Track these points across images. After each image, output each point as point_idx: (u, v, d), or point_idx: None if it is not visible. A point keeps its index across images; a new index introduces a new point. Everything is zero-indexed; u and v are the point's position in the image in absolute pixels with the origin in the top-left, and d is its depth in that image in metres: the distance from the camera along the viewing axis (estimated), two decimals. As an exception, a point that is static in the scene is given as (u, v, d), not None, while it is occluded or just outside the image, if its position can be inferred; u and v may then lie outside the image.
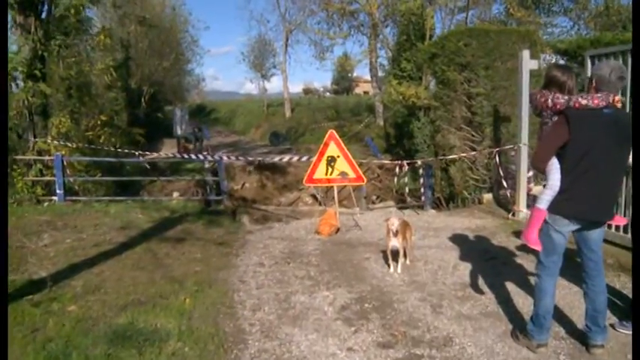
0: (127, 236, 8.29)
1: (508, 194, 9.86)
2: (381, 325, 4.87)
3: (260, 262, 7.14)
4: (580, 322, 4.52)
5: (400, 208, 15.39)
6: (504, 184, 9.73)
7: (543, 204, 4.01)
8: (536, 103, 4.25)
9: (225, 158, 11.95)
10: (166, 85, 37.75)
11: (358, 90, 70.90)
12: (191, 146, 24.24)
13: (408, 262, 6.63)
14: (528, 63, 8.61)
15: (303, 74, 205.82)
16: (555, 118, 4.06)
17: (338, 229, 8.74)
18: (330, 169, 8.81)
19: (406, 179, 13.88)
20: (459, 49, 11.10)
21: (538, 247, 4.13)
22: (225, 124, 47.20)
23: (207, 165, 13.47)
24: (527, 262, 6.56)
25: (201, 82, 56.74)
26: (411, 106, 17.10)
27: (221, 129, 43.81)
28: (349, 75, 71.56)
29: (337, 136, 8.94)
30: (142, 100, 32.06)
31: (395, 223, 6.16)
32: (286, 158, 12.12)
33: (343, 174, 8.84)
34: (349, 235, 8.64)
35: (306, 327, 4.89)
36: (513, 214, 9.00)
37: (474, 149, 11.20)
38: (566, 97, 4.01)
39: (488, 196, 10.66)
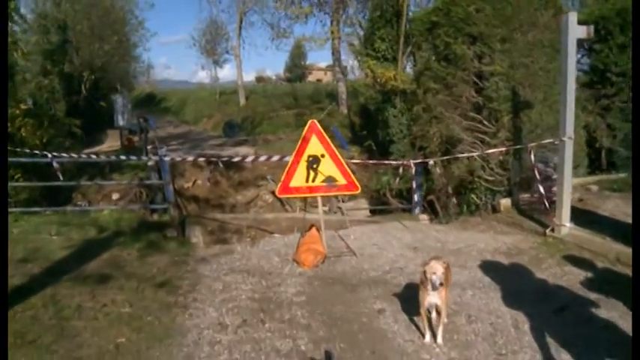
0: (24, 276, 5.76)
1: (539, 200, 7.74)
2: None
3: (220, 321, 4.76)
4: None
5: (380, 212, 13.27)
6: (540, 188, 7.55)
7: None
8: None
9: (167, 159, 9.37)
10: (110, 71, 34.54)
11: (312, 78, 70.08)
12: (136, 138, 21.41)
13: (445, 319, 4.34)
14: (576, 30, 6.42)
15: (255, 62, 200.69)
16: None
17: (325, 257, 6.43)
18: (312, 174, 6.42)
19: (387, 177, 11.61)
20: (468, 15, 8.73)
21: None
22: (176, 114, 44.20)
23: (151, 162, 10.89)
24: (621, 316, 4.37)
25: (151, 70, 53.54)
26: (386, 91, 14.88)
27: (171, 119, 40.93)
28: (302, 62, 70.76)
29: (320, 128, 6.52)
30: (82, 87, 28.89)
31: (438, 271, 3.86)
32: (250, 159, 9.49)
33: (330, 180, 6.46)
34: (342, 266, 6.29)
35: None
36: (553, 230, 6.84)
37: (483, 142, 8.98)
38: None
39: (505, 203, 8.49)
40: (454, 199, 10.01)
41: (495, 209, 8.54)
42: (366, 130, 20.21)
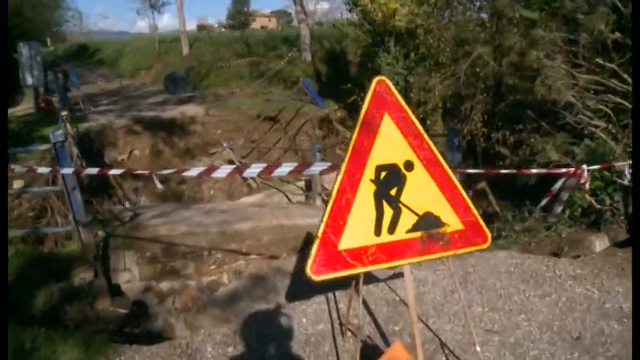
0: None
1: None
2: None
3: None
4: None
5: None
6: None
7: None
8: None
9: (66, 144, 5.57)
10: (28, 18, 29.63)
11: (255, 25, 67.28)
12: (55, 99, 17.27)
13: None
14: None
15: (196, 9, 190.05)
16: None
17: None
18: (388, 213, 2.86)
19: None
20: None
21: None
22: (111, 66, 39.44)
23: (46, 146, 7.13)
24: None
25: (84, 19, 48.59)
26: (379, 32, 11.43)
27: (106, 71, 36.32)
28: (246, 9, 67.75)
29: (398, 96, 2.98)
30: (-10, 36, 24.13)
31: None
32: (194, 171, 4.34)
33: (429, 224, 2.92)
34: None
35: None
36: None
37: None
38: None
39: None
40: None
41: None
42: (334, 80, 16.77)
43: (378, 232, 2.82)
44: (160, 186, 5.19)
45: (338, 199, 2.75)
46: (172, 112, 16.23)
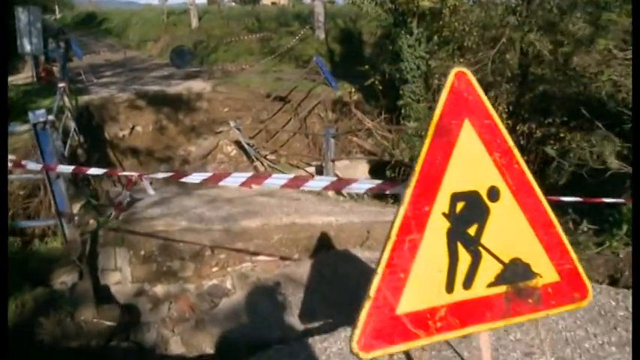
0: None
1: None
2: None
3: None
4: None
5: None
6: None
7: None
8: None
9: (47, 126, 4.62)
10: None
11: (265, 0, 66.77)
12: (56, 68, 16.48)
13: None
14: None
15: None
16: None
17: None
18: (465, 260, 2.07)
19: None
20: None
21: None
22: (118, 37, 38.55)
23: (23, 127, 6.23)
24: None
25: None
26: (402, 11, 10.62)
27: (113, 41, 35.49)
28: None
29: (479, 92, 2.19)
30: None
31: None
32: (196, 177, 3.54)
33: (516, 274, 2.13)
34: None
35: None
36: None
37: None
38: None
39: None
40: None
41: None
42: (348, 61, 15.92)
43: (450, 287, 2.04)
44: (151, 192, 4.42)
45: (399, 242, 1.94)
46: (178, 87, 15.45)
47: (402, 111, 11.66)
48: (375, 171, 11.83)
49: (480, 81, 7.30)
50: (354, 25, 20.80)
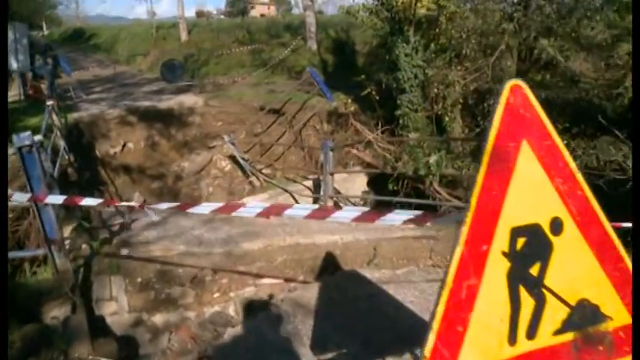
0: None
1: None
2: None
3: None
4: None
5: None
6: None
7: None
8: None
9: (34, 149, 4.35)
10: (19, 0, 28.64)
11: (254, 12, 67.57)
12: (45, 85, 16.21)
13: None
14: None
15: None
16: None
17: None
18: (527, 304, 1.74)
19: (437, 156, 6.78)
20: None
21: None
22: (107, 52, 38.33)
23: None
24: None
25: (80, 2, 48.34)
26: (398, 19, 10.42)
27: (101, 57, 35.32)
28: None
29: (537, 108, 1.83)
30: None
31: None
32: (206, 208, 3.44)
33: (584, 316, 1.81)
34: None
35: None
36: None
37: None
38: None
39: None
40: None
41: None
42: (341, 71, 15.70)
43: (512, 338, 1.72)
44: (155, 218, 4.14)
45: (456, 290, 1.63)
46: (169, 102, 15.19)
47: (400, 121, 11.44)
48: (374, 183, 11.59)
49: (478, 89, 7.07)
50: (346, 34, 20.66)
